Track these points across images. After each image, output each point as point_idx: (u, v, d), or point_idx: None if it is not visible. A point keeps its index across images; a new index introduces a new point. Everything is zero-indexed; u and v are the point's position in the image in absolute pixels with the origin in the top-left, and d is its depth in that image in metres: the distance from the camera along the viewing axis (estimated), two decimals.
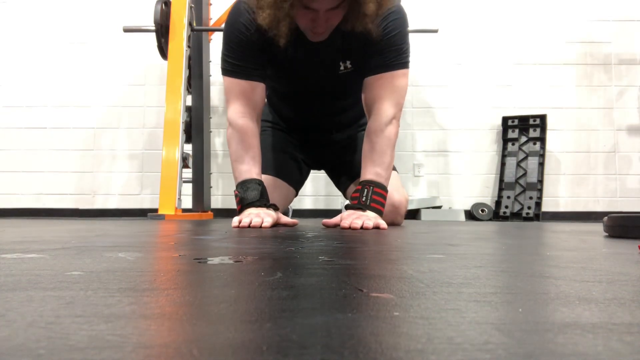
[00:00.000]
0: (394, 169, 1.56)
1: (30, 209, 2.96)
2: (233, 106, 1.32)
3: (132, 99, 3.01)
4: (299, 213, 2.81)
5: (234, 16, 1.29)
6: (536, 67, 3.01)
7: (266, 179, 1.51)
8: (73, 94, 3.02)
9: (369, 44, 1.26)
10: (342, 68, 1.36)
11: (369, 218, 1.16)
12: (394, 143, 1.30)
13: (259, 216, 1.17)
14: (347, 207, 1.24)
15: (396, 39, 1.26)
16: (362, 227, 1.11)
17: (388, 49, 1.26)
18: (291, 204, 1.91)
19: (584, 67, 3.01)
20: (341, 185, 1.72)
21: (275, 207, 1.27)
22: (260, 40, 1.26)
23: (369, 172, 1.26)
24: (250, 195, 1.24)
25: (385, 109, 1.28)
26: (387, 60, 1.27)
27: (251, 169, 1.28)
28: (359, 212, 1.18)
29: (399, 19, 1.27)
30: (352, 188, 1.60)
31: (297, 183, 1.65)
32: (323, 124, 1.59)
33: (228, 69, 1.32)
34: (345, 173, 1.65)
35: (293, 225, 1.26)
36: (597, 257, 0.54)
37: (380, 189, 1.24)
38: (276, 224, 1.24)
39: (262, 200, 1.24)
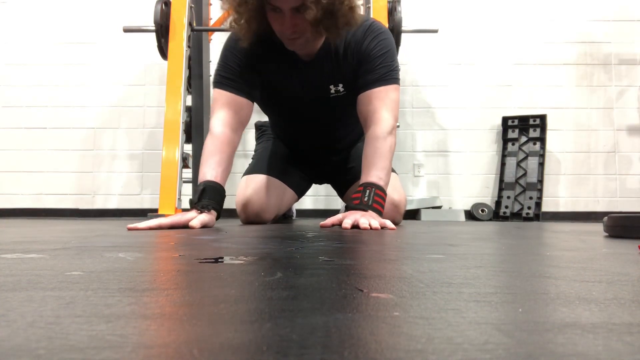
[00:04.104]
0: (393, 171, 1.59)
1: (30, 209, 2.96)
2: (215, 115, 1.34)
3: (132, 99, 3.01)
4: (299, 213, 2.81)
5: (232, 39, 1.37)
6: (536, 67, 3.01)
7: (270, 180, 1.55)
8: (73, 94, 3.02)
9: (360, 64, 1.34)
10: (332, 91, 1.40)
11: (374, 217, 1.15)
12: (393, 152, 1.33)
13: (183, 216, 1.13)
14: (347, 208, 1.24)
15: (387, 57, 1.34)
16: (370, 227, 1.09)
17: (380, 66, 1.33)
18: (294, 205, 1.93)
19: (584, 67, 3.01)
20: (340, 189, 1.74)
21: (209, 210, 1.18)
22: (255, 63, 1.35)
23: (371, 175, 1.25)
24: (195, 198, 1.21)
25: (386, 118, 1.31)
26: (381, 76, 1.33)
27: (208, 172, 1.24)
28: (362, 212, 1.18)
29: (388, 39, 1.36)
30: (351, 190, 1.62)
31: (298, 188, 1.69)
32: (320, 153, 1.65)
33: (218, 82, 1.37)
34: (344, 179, 1.67)
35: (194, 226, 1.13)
36: (597, 257, 0.54)
37: (381, 191, 1.24)
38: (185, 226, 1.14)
39: (200, 204, 1.18)
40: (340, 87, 1.40)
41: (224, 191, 1.25)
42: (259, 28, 1.25)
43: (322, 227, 1.19)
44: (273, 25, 1.24)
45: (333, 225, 1.19)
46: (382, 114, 1.31)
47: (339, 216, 1.21)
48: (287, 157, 1.65)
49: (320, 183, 1.83)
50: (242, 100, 1.35)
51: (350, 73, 1.36)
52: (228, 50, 1.37)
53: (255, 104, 1.42)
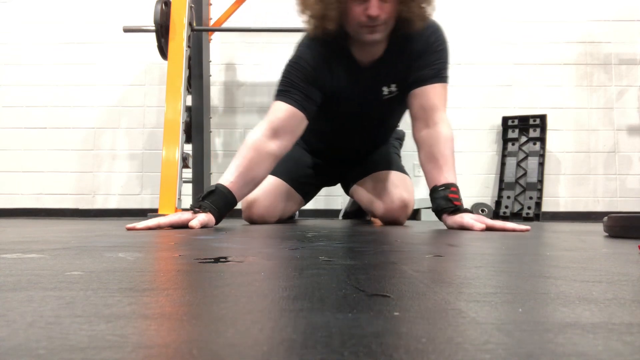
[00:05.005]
0: (406, 172, 1.62)
1: (30, 209, 2.96)
2: (259, 124, 1.30)
3: (132, 99, 3.01)
4: (299, 213, 2.81)
5: (296, 56, 1.34)
6: (536, 67, 3.01)
7: (278, 183, 1.55)
8: (73, 94, 3.02)
9: (417, 58, 1.31)
10: (385, 92, 1.37)
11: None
12: None
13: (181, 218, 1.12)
14: (440, 205, 1.26)
15: (444, 53, 1.34)
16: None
17: (438, 62, 1.32)
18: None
19: (584, 67, 3.01)
20: (347, 185, 1.74)
21: (205, 211, 1.16)
22: (316, 75, 1.31)
23: (451, 175, 1.28)
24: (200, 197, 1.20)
25: (447, 119, 1.32)
26: (437, 72, 1.32)
27: (225, 176, 1.22)
28: (473, 214, 1.21)
29: (444, 35, 1.36)
30: (362, 182, 1.62)
31: (305, 193, 1.68)
32: (348, 157, 1.64)
33: (276, 94, 1.33)
34: (352, 176, 1.68)
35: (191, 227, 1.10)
36: (597, 257, 0.54)
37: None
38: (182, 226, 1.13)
39: (195, 205, 1.17)
40: (394, 87, 1.37)
41: (232, 198, 1.20)
42: (337, 20, 1.23)
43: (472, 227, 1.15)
44: (352, 14, 1.21)
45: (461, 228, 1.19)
46: (443, 114, 1.31)
47: (470, 222, 1.17)
48: (301, 160, 1.64)
49: (332, 185, 1.83)
50: (294, 111, 1.29)
51: (404, 69, 1.33)
52: (292, 65, 1.33)
53: None
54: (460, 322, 0.22)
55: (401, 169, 1.61)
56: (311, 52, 1.32)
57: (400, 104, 1.40)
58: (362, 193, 1.62)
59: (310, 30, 1.30)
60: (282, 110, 1.29)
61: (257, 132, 1.27)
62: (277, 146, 1.27)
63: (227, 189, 1.19)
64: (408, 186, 1.53)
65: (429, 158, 1.29)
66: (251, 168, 1.23)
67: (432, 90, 1.30)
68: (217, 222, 1.18)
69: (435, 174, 1.28)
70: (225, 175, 1.22)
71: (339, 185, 1.88)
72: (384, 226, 1.42)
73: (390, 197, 1.48)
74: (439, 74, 1.31)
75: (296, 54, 1.35)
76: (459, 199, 1.24)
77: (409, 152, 2.99)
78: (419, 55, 1.31)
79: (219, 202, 1.17)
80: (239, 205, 1.52)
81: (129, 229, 1.04)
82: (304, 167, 1.63)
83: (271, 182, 1.52)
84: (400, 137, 1.78)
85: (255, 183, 1.28)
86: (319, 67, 1.32)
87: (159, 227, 1.09)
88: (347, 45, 1.32)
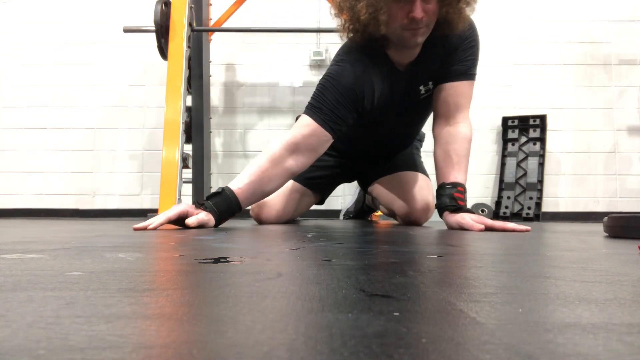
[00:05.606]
0: (428, 175, 1.63)
1: (30, 209, 2.96)
2: (285, 134, 1.26)
3: (132, 99, 3.01)
4: None
5: (336, 72, 1.28)
6: (536, 67, 3.01)
7: (291, 184, 1.53)
8: (73, 94, 3.02)
9: (451, 52, 1.30)
10: (423, 92, 1.36)
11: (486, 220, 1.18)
12: None
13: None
14: (444, 204, 1.25)
15: (476, 50, 1.32)
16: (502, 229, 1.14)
17: (469, 59, 1.31)
18: None
19: (584, 67, 3.01)
20: (367, 182, 1.74)
21: (205, 209, 1.15)
22: (354, 96, 1.27)
23: (462, 176, 1.29)
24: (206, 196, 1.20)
25: (468, 118, 1.32)
26: (468, 69, 1.31)
27: (235, 181, 1.21)
28: (473, 214, 1.20)
29: (477, 34, 1.33)
30: (382, 184, 1.62)
31: (320, 191, 1.68)
32: (376, 157, 1.64)
33: (307, 108, 1.29)
34: (372, 173, 1.68)
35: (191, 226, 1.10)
36: (597, 257, 0.54)
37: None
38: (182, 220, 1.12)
39: (198, 203, 1.17)
40: (430, 85, 1.35)
41: (236, 204, 1.18)
42: (387, 24, 1.18)
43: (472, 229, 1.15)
44: (395, 16, 1.16)
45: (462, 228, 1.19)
46: (466, 114, 1.32)
47: (470, 222, 1.17)
48: (318, 159, 1.62)
49: (349, 182, 1.83)
50: (320, 130, 1.25)
51: (439, 64, 1.31)
52: (329, 81, 1.28)
53: None
54: (461, 322, 0.22)
55: (425, 172, 1.62)
56: (353, 69, 1.27)
57: (431, 101, 1.39)
58: (384, 191, 1.61)
59: (350, 35, 1.26)
60: (308, 126, 1.25)
61: (277, 144, 1.24)
62: (295, 162, 1.24)
63: (234, 194, 1.18)
64: (431, 190, 1.54)
65: (443, 155, 1.31)
66: (263, 180, 1.21)
67: (459, 88, 1.31)
68: (216, 225, 1.17)
69: (446, 171, 1.29)
70: (235, 180, 1.21)
71: (339, 186, 1.88)
72: (398, 226, 1.43)
73: (416, 199, 1.50)
74: (468, 72, 1.31)
75: (337, 70, 1.29)
76: (464, 200, 1.25)
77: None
78: (453, 49, 1.29)
79: (221, 206, 1.16)
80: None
81: (136, 229, 1.03)
82: (321, 167, 1.60)
83: (285, 186, 1.46)
84: (421, 138, 1.77)
85: (265, 194, 1.25)
86: (360, 85, 1.27)
87: (168, 221, 1.08)
88: (385, 49, 1.29)
